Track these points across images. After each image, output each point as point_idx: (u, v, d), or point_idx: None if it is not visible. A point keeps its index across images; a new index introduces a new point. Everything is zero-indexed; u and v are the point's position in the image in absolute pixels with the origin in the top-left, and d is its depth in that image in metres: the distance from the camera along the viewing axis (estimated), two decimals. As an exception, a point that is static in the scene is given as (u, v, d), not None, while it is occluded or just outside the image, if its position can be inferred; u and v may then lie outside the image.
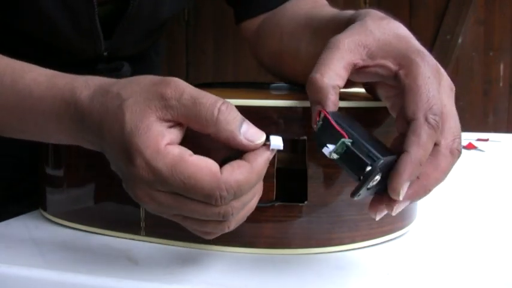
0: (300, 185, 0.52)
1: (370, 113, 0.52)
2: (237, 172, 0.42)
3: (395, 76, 0.46)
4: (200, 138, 0.44)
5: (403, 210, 0.57)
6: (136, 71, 0.77)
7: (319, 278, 0.48)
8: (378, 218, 0.46)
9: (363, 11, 0.55)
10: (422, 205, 0.64)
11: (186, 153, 0.42)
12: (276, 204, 0.52)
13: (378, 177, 0.43)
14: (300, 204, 0.52)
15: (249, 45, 0.80)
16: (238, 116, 0.43)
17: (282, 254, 0.53)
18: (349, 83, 0.49)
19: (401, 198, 0.44)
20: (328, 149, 0.44)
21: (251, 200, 0.45)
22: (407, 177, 0.43)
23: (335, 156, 0.43)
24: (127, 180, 0.44)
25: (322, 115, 0.45)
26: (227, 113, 0.42)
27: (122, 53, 0.77)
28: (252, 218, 0.51)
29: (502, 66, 2.71)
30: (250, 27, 0.79)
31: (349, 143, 0.43)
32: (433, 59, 0.47)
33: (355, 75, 0.49)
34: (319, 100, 0.46)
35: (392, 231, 0.56)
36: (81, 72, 0.75)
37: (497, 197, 0.77)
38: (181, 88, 0.43)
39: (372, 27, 0.48)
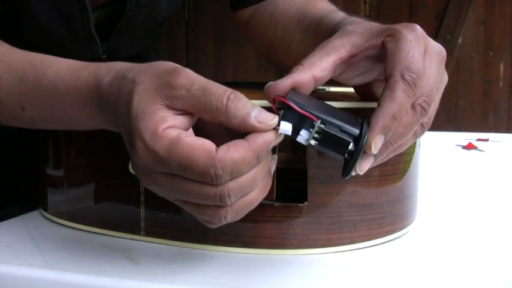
0: (300, 185, 0.52)
1: (360, 113, 0.52)
2: (232, 150, 0.41)
3: (383, 47, 0.47)
4: (203, 126, 0.44)
5: (403, 210, 0.57)
6: None
7: (319, 278, 0.48)
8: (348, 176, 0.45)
9: (348, 20, 0.56)
10: (422, 205, 0.64)
11: (183, 134, 0.42)
12: (276, 204, 0.52)
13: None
14: (300, 204, 0.52)
15: (243, 32, 0.83)
16: (248, 102, 0.43)
17: (282, 255, 0.53)
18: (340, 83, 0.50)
19: (374, 151, 0.44)
20: (303, 136, 0.43)
21: (251, 189, 0.44)
22: (380, 131, 0.43)
23: (313, 142, 0.43)
24: (133, 162, 0.45)
25: (278, 101, 0.44)
26: (236, 100, 0.43)
27: (120, 55, 0.77)
28: (252, 218, 0.51)
29: (502, 66, 2.71)
30: (244, 15, 0.81)
31: (323, 126, 0.43)
32: (420, 28, 0.47)
33: (349, 71, 0.50)
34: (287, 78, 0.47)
35: (392, 232, 0.56)
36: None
37: (497, 197, 0.77)
38: (191, 78, 0.43)
39: (352, 28, 0.50)
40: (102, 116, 0.49)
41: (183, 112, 0.43)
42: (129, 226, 0.56)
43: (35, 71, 0.53)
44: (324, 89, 0.67)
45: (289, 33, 0.70)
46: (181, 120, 0.43)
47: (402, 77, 0.44)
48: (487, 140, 1.20)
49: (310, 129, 0.43)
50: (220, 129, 0.44)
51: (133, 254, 0.53)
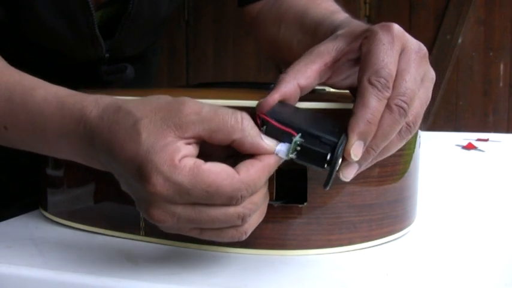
0: (299, 186, 0.52)
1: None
2: (251, 171, 0.42)
3: (360, 50, 0.47)
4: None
5: (403, 211, 0.57)
6: (136, 72, 0.78)
7: (319, 278, 0.48)
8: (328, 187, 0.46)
9: (346, 23, 0.56)
10: (422, 205, 0.64)
11: (200, 162, 0.42)
12: (276, 204, 0.52)
13: (340, 159, 0.44)
14: (300, 205, 0.52)
15: (249, 29, 0.83)
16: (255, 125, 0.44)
17: (282, 255, 0.53)
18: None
19: (355, 158, 0.44)
20: (283, 151, 0.44)
21: (263, 203, 0.46)
22: (356, 137, 0.44)
23: (293, 156, 0.44)
24: (141, 201, 0.44)
25: (261, 118, 0.45)
26: (249, 119, 0.43)
27: (123, 54, 0.77)
28: (252, 219, 0.51)
29: (502, 66, 2.71)
30: (251, 12, 0.81)
31: (301, 140, 0.43)
32: (397, 27, 0.47)
33: (335, 76, 0.50)
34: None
35: (391, 233, 0.56)
36: (84, 74, 0.75)
37: (497, 197, 0.77)
38: (198, 104, 0.43)
39: (341, 32, 0.50)
40: (86, 150, 0.48)
41: (192, 140, 0.43)
42: (129, 226, 0.56)
43: (23, 92, 0.51)
44: (324, 89, 0.67)
45: (292, 31, 0.70)
46: (191, 149, 0.43)
47: (370, 82, 0.44)
48: (487, 140, 1.20)
49: (291, 143, 0.43)
50: (219, 155, 0.45)
51: (133, 254, 0.53)
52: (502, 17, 2.69)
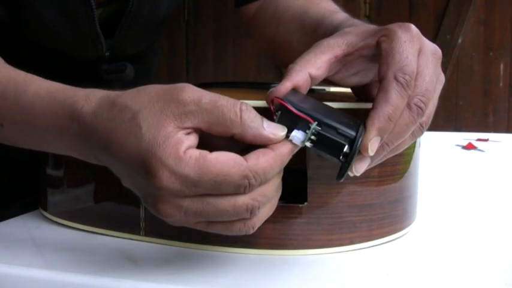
0: (300, 186, 0.52)
1: (358, 114, 0.52)
2: (261, 159, 0.42)
3: (378, 47, 0.47)
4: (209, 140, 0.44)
5: (403, 211, 0.57)
6: (136, 71, 0.78)
7: (319, 278, 0.48)
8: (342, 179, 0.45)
9: (348, 22, 0.56)
10: (422, 205, 0.64)
11: (205, 152, 0.41)
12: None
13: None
14: (300, 205, 0.52)
15: (247, 29, 0.83)
16: (258, 114, 0.43)
17: (282, 255, 0.53)
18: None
19: (371, 153, 0.44)
20: (299, 138, 0.43)
21: (274, 197, 0.45)
22: (375, 133, 0.44)
23: (308, 144, 0.43)
24: (147, 195, 0.43)
25: (276, 103, 0.44)
26: (249, 111, 0.42)
27: (123, 53, 0.77)
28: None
29: (502, 66, 2.71)
30: (248, 12, 0.81)
31: (318, 128, 0.42)
32: (415, 28, 0.47)
33: (344, 70, 0.50)
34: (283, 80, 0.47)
35: (392, 233, 0.56)
36: (84, 73, 0.75)
37: (497, 197, 0.77)
38: (198, 92, 0.42)
39: (349, 29, 0.50)
40: (81, 146, 0.47)
41: (191, 130, 0.42)
42: (129, 226, 0.56)
43: (17, 87, 0.50)
44: (324, 89, 0.67)
45: (291, 31, 0.70)
46: (192, 139, 0.42)
47: (395, 78, 0.44)
48: (487, 140, 1.20)
49: (307, 131, 0.43)
50: (223, 145, 0.44)
51: (133, 254, 0.53)
52: (502, 17, 2.69)
